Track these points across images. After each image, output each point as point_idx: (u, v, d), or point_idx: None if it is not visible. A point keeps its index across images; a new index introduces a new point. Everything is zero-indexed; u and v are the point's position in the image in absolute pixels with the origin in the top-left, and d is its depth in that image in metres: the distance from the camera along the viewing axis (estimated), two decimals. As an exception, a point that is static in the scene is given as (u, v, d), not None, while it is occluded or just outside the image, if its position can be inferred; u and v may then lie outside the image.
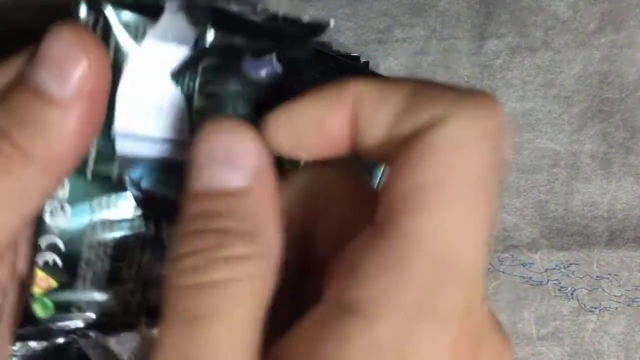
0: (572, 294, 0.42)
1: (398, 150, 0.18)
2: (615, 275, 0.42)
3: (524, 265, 0.42)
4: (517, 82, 0.41)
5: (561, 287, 0.42)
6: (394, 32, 0.40)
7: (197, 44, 0.21)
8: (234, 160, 0.19)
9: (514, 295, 0.42)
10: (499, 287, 0.42)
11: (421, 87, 0.19)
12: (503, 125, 0.19)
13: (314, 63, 0.38)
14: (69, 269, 0.22)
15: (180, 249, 0.18)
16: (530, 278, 0.42)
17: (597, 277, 0.42)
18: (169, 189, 0.22)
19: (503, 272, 0.42)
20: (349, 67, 0.38)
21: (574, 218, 0.42)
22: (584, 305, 0.42)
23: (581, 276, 0.42)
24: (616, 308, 0.42)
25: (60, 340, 0.23)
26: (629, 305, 0.42)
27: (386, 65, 0.41)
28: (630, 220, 0.42)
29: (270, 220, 0.19)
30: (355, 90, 0.20)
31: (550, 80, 0.41)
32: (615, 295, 0.42)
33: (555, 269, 0.42)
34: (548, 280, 0.42)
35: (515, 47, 0.41)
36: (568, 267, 0.42)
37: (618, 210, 0.42)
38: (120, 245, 0.22)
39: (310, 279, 0.20)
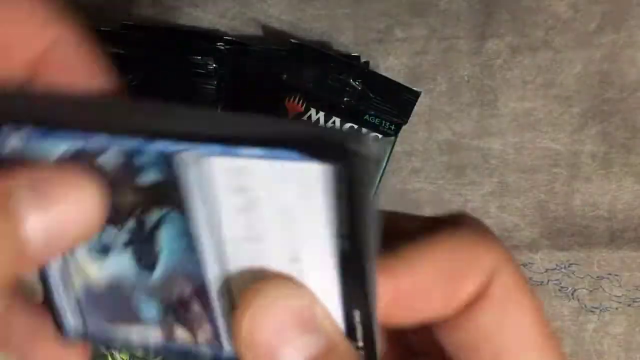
0: (572, 294, 0.42)
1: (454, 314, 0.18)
2: (616, 275, 0.42)
3: (524, 265, 0.42)
4: (517, 82, 0.41)
5: (562, 287, 0.42)
6: (394, 31, 0.40)
7: None
8: (311, 321, 0.17)
9: (514, 295, 0.42)
10: (499, 288, 0.42)
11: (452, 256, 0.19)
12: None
13: (314, 63, 0.38)
14: None
15: None
16: (530, 278, 0.42)
17: (598, 277, 0.42)
18: None
19: (503, 273, 0.42)
20: (349, 67, 0.38)
21: (574, 218, 0.42)
22: (585, 305, 0.42)
23: (582, 276, 0.42)
24: (617, 308, 0.43)
25: None
26: (629, 305, 0.43)
27: (386, 65, 0.41)
28: (631, 221, 0.42)
29: None
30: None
31: (550, 80, 0.41)
32: (615, 296, 0.42)
33: (555, 269, 0.42)
34: (548, 281, 0.42)
35: (516, 47, 0.41)
36: (569, 267, 0.42)
37: (619, 210, 0.42)
38: None
39: None
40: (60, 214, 0.16)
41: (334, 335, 0.17)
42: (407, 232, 0.19)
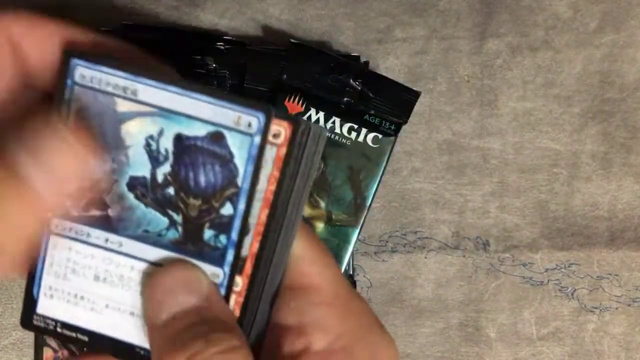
0: (572, 294, 0.42)
1: None
2: (616, 275, 0.42)
3: (524, 265, 0.42)
4: (517, 82, 0.41)
5: (562, 287, 0.42)
6: (394, 31, 0.40)
7: None
8: (192, 288, 0.23)
9: (514, 295, 0.42)
10: (499, 287, 0.42)
11: None
12: None
13: (314, 63, 0.38)
14: None
15: None
16: (530, 278, 0.42)
17: (598, 277, 0.42)
18: None
19: (503, 272, 0.42)
20: (349, 67, 0.37)
21: (574, 218, 0.42)
22: (585, 305, 0.42)
23: (582, 276, 0.42)
24: (617, 308, 0.42)
25: None
26: (629, 305, 0.42)
27: (386, 65, 0.40)
28: (631, 220, 0.42)
29: (235, 321, 0.23)
30: None
31: (550, 80, 0.41)
32: (615, 296, 0.42)
33: (555, 269, 0.42)
34: (548, 281, 0.42)
35: (516, 47, 0.41)
36: (568, 267, 0.42)
37: (618, 210, 0.42)
38: None
39: None
40: (59, 172, 0.21)
41: (210, 295, 0.22)
42: None
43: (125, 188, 0.23)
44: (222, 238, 0.23)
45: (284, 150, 0.22)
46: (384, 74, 0.38)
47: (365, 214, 0.38)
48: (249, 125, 0.22)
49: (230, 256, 0.23)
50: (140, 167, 0.22)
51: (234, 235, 0.23)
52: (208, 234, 0.23)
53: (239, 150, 0.22)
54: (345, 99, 0.38)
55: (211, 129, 0.22)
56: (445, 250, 0.42)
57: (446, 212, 0.41)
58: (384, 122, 0.38)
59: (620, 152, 0.42)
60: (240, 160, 0.22)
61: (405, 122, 0.38)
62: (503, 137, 0.41)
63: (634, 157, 0.42)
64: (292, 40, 0.38)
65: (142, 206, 0.23)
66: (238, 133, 0.22)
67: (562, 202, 0.42)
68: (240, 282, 0.23)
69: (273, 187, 0.22)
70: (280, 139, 0.22)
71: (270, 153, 0.22)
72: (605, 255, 0.42)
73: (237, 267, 0.23)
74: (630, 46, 0.41)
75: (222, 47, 0.38)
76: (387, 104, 0.38)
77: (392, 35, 0.40)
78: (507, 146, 0.41)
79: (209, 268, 0.23)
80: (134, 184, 0.23)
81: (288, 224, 0.23)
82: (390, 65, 0.40)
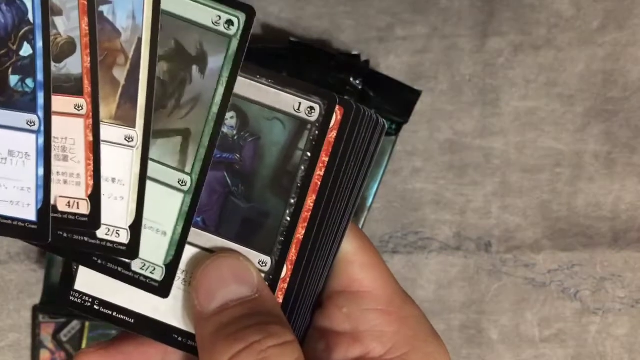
0: (575, 295, 0.42)
1: None
2: (619, 276, 0.42)
3: (526, 266, 0.42)
4: (519, 81, 0.41)
5: (564, 288, 0.42)
6: (395, 30, 0.40)
7: None
8: (243, 278, 0.23)
9: (516, 296, 0.42)
10: (501, 289, 0.42)
11: None
12: None
13: (314, 61, 0.38)
14: None
15: (226, 354, 0.21)
16: (533, 279, 0.42)
17: (601, 278, 0.42)
18: None
19: (506, 274, 0.42)
20: (349, 66, 0.37)
21: (577, 218, 0.42)
22: (588, 306, 0.42)
23: (585, 277, 0.42)
24: (620, 309, 0.42)
25: None
26: (632, 306, 0.42)
27: (387, 63, 0.40)
28: (634, 221, 0.42)
29: (284, 316, 0.23)
30: None
31: (553, 78, 0.41)
32: (619, 297, 0.42)
33: (558, 270, 0.42)
34: (551, 282, 0.42)
35: (518, 45, 0.41)
36: (571, 268, 0.42)
37: (622, 210, 0.42)
38: None
39: None
40: None
41: (261, 287, 0.23)
42: None
43: None
44: (29, 82, 0.21)
45: (334, 134, 0.21)
46: (384, 72, 0.38)
47: (365, 214, 0.38)
48: None
49: (40, 100, 0.21)
50: None
51: (40, 76, 0.21)
52: (13, 80, 0.22)
53: None
54: (346, 97, 0.37)
55: None
56: (446, 251, 0.41)
57: (447, 213, 0.41)
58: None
59: (623, 152, 0.41)
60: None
61: (406, 122, 0.38)
62: (505, 137, 0.41)
63: (637, 157, 0.41)
64: (292, 39, 0.37)
65: None
66: None
67: (564, 203, 0.41)
68: (284, 268, 0.23)
69: (321, 172, 0.22)
70: (330, 122, 0.21)
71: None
72: (609, 256, 0.42)
73: (50, 110, 0.21)
74: (634, 45, 0.41)
75: (221, 46, 0.38)
76: (388, 103, 0.38)
77: (393, 33, 0.40)
78: (509, 146, 0.41)
79: (23, 116, 0.22)
80: None
81: (337, 214, 0.23)
82: (391, 64, 0.40)
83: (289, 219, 0.22)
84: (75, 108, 0.22)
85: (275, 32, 0.40)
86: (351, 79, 0.37)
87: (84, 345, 0.39)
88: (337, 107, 0.21)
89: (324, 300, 0.24)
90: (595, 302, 0.42)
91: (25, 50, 0.21)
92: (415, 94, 0.38)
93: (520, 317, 0.42)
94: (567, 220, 0.42)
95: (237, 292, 0.22)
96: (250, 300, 0.23)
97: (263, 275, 0.23)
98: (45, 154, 0.22)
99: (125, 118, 0.22)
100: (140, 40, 0.22)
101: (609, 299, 0.42)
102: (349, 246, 0.24)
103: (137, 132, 0.22)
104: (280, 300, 0.23)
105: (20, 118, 0.22)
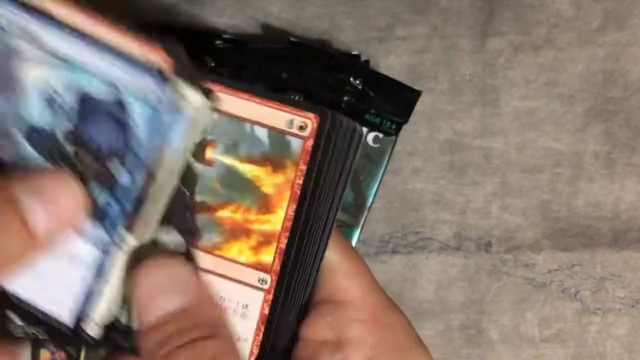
0: (575, 295, 0.42)
1: None
2: (619, 276, 0.42)
3: (526, 266, 0.42)
4: (519, 81, 0.41)
5: (564, 288, 0.42)
6: (395, 30, 0.40)
7: None
8: (182, 287, 0.22)
9: (516, 296, 0.42)
10: (501, 289, 0.42)
11: None
12: None
13: (314, 61, 0.37)
14: None
15: None
16: (533, 279, 0.42)
17: (601, 278, 0.42)
18: None
19: (506, 274, 0.42)
20: (349, 66, 0.37)
21: (577, 218, 0.42)
22: (588, 306, 0.42)
23: (585, 277, 0.42)
24: (620, 309, 0.42)
25: None
26: (632, 306, 0.42)
27: (387, 63, 0.40)
28: (634, 221, 0.42)
29: (224, 321, 0.23)
30: None
31: (553, 78, 0.41)
32: (619, 297, 0.42)
33: (558, 270, 0.42)
34: (551, 282, 0.42)
35: (518, 45, 0.40)
36: (571, 268, 0.42)
37: (622, 210, 0.42)
38: None
39: None
40: (56, 209, 0.21)
41: (201, 293, 0.22)
42: None
43: (19, 134, 0.22)
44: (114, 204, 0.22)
45: (310, 143, 0.21)
46: (384, 72, 0.38)
47: (365, 214, 0.38)
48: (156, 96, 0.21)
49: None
50: (40, 117, 0.22)
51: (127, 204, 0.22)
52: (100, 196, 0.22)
53: (141, 118, 0.21)
54: (346, 97, 0.37)
55: (116, 95, 0.21)
56: (446, 251, 0.41)
57: (447, 213, 0.41)
58: (384, 121, 0.38)
59: (623, 152, 0.41)
60: (140, 129, 0.21)
61: (406, 122, 0.38)
62: (505, 137, 0.41)
63: (637, 157, 0.41)
64: (292, 39, 0.37)
65: (36, 156, 0.22)
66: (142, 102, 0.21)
67: (564, 203, 0.41)
68: (268, 279, 0.23)
69: (300, 181, 0.22)
70: (307, 132, 0.22)
71: (294, 144, 0.22)
72: (609, 256, 0.42)
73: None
74: (634, 45, 0.41)
75: (221, 46, 0.38)
76: (388, 103, 0.38)
77: (392, 33, 0.40)
78: (509, 146, 0.41)
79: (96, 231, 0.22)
80: (31, 132, 0.22)
81: (319, 222, 0.23)
82: (391, 64, 0.40)
83: None
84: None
85: (276, 32, 0.40)
86: (351, 79, 0.37)
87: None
88: (313, 115, 0.21)
89: (309, 309, 0.24)
90: (595, 302, 0.42)
91: (120, 175, 0.22)
92: (415, 94, 0.38)
93: (520, 317, 0.42)
94: (567, 220, 0.42)
95: (174, 303, 0.22)
96: (189, 311, 0.22)
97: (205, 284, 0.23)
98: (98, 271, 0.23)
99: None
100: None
101: (609, 299, 0.42)
102: (333, 255, 0.24)
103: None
104: (266, 312, 0.23)
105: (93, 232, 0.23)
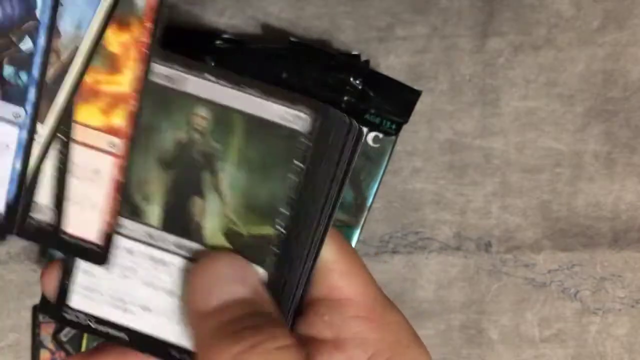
0: (575, 295, 0.42)
1: None
2: (619, 276, 0.42)
3: (526, 266, 0.42)
4: (519, 81, 0.41)
5: (564, 288, 0.42)
6: (395, 30, 0.40)
7: None
8: (243, 278, 0.23)
9: (516, 296, 0.42)
10: (501, 289, 0.42)
11: None
12: None
13: (313, 62, 0.37)
14: None
15: (229, 352, 0.21)
16: (533, 279, 0.42)
17: (601, 278, 0.42)
18: None
19: (506, 274, 0.42)
20: (349, 66, 0.37)
21: (577, 218, 0.42)
22: (588, 306, 0.42)
23: (585, 277, 0.42)
24: (620, 309, 0.42)
25: None
26: (632, 306, 0.42)
27: (387, 63, 0.40)
28: (634, 221, 0.42)
29: (283, 319, 0.23)
30: None
31: (553, 78, 0.41)
32: (619, 297, 0.42)
33: (558, 270, 0.42)
34: (551, 282, 0.42)
35: (518, 45, 0.40)
36: (571, 268, 0.42)
37: (622, 210, 0.42)
38: None
39: None
40: None
41: (260, 289, 0.23)
42: None
43: None
44: (22, 75, 0.22)
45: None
46: (384, 72, 0.38)
47: (365, 214, 0.38)
48: None
49: (32, 95, 0.22)
50: None
51: (35, 72, 0.22)
52: (8, 70, 0.22)
53: None
54: (345, 98, 0.37)
55: None
56: (446, 251, 0.41)
57: (447, 213, 0.41)
58: (384, 121, 0.38)
59: (623, 152, 0.41)
60: None
61: (406, 122, 0.38)
62: (505, 137, 0.41)
63: (637, 157, 0.41)
64: (292, 39, 0.37)
65: None
66: None
67: (564, 203, 0.41)
68: (118, 142, 0.22)
69: (147, 40, 0.22)
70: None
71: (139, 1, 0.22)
72: (609, 256, 0.42)
73: (39, 107, 0.22)
74: (634, 45, 0.41)
75: (221, 46, 0.38)
76: (388, 103, 0.38)
77: (392, 33, 0.40)
78: (509, 146, 0.41)
79: (10, 108, 0.22)
80: None
81: (313, 219, 0.23)
82: (391, 64, 0.40)
83: None
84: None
85: (276, 32, 0.40)
86: (351, 79, 0.37)
87: (83, 345, 0.39)
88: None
89: (305, 307, 0.24)
90: (595, 302, 0.42)
91: (26, 44, 0.22)
92: (415, 94, 0.38)
93: (520, 317, 0.42)
94: (567, 220, 0.42)
95: (236, 292, 0.22)
96: (250, 301, 0.22)
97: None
98: (25, 150, 0.22)
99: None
100: (77, 48, 0.22)
101: (609, 299, 0.42)
102: (329, 253, 0.24)
103: (45, 128, 0.22)
104: (118, 177, 0.23)
105: (6, 109, 0.22)
